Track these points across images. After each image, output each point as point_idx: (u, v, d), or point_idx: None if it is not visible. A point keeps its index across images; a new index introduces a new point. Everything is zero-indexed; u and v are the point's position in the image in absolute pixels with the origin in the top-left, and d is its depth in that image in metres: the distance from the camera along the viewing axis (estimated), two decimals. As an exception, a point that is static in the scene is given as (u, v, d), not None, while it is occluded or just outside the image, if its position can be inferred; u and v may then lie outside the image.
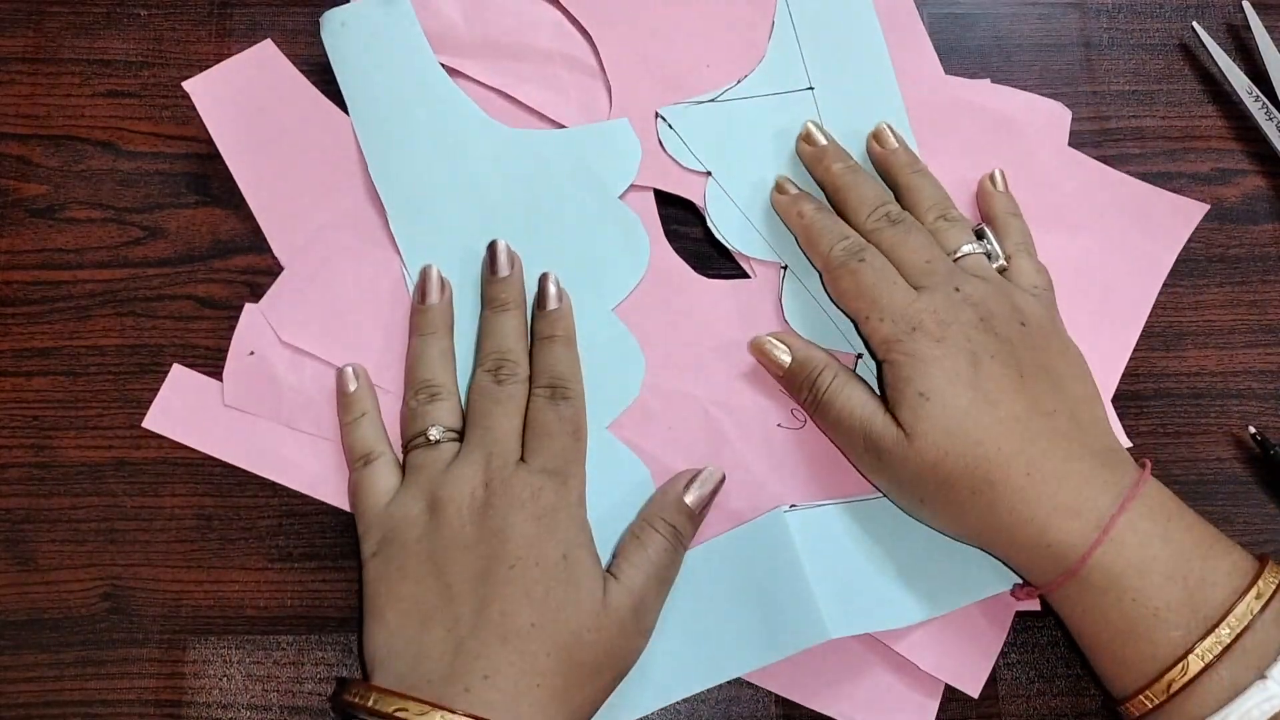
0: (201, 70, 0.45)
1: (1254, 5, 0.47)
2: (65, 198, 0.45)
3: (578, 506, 0.39)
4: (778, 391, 0.43)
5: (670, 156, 0.44)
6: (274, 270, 0.44)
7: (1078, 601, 0.37)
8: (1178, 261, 0.46)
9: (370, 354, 0.42)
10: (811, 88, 0.45)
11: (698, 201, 0.44)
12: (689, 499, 0.40)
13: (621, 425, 0.42)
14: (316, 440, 0.42)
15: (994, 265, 0.41)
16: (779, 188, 0.44)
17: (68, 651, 0.41)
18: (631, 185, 0.44)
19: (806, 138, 0.44)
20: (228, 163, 0.44)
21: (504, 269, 0.42)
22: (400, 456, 0.41)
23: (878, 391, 0.40)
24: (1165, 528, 0.36)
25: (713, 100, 0.45)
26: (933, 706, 0.40)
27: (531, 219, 0.43)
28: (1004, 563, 0.39)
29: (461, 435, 0.40)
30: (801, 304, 0.43)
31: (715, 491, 0.40)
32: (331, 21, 0.44)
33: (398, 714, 0.34)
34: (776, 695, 0.41)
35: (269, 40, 0.45)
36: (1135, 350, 0.45)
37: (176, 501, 0.42)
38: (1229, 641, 0.34)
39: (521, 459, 0.39)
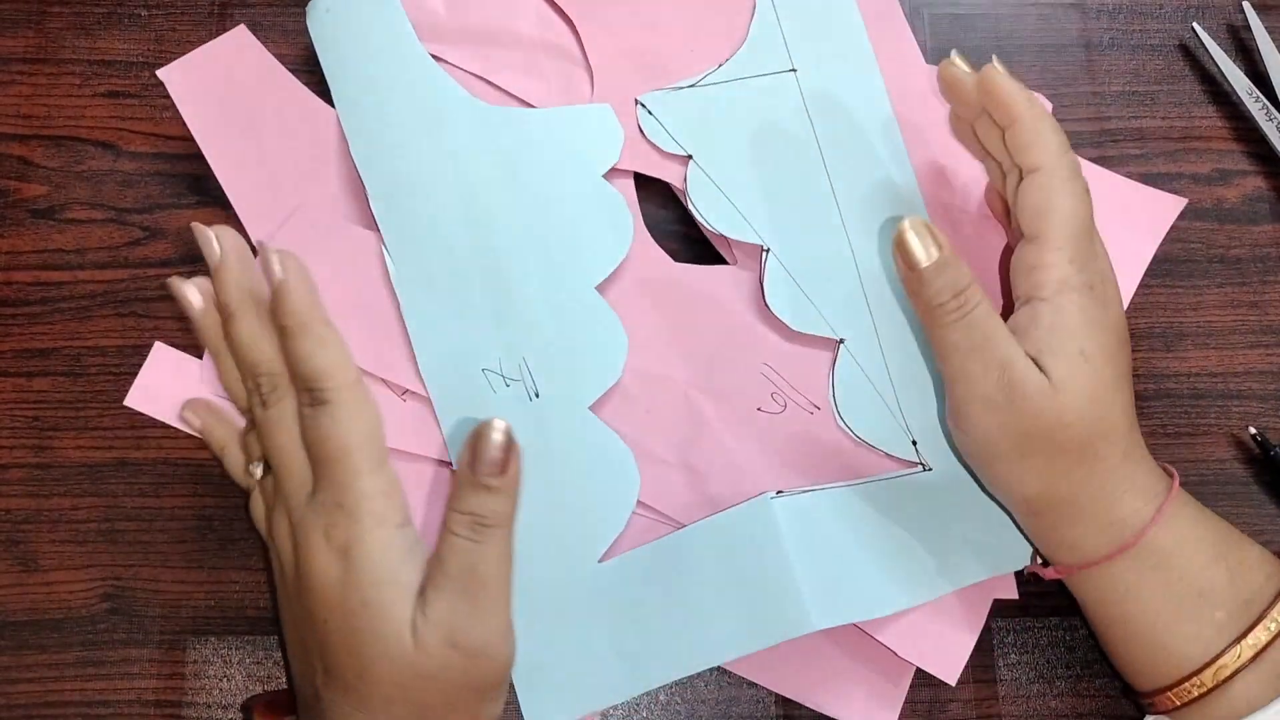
0: (202, 70, 0.45)
1: (1254, 6, 0.47)
2: (66, 198, 0.45)
3: (374, 531, 0.34)
4: (758, 375, 0.43)
5: (650, 143, 0.44)
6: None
7: (1122, 579, 0.37)
8: (1178, 262, 0.46)
9: (347, 332, 0.41)
10: (794, 69, 0.45)
11: (678, 185, 0.44)
12: (478, 471, 0.35)
13: (600, 407, 0.42)
14: None
15: None
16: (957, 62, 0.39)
17: (68, 652, 0.41)
18: (613, 169, 0.44)
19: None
20: (203, 149, 0.44)
21: (214, 254, 0.38)
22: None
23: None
24: (1204, 514, 0.38)
25: (693, 85, 0.45)
26: (899, 696, 0.41)
27: (513, 196, 0.43)
28: (1038, 537, 0.39)
29: None
30: (784, 287, 0.43)
31: (505, 443, 0.35)
32: (316, 8, 0.44)
33: None
34: (777, 695, 0.41)
35: (243, 26, 0.45)
36: (1136, 350, 0.45)
37: (176, 501, 0.42)
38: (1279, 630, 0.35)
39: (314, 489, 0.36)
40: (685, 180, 0.44)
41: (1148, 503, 0.37)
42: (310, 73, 0.45)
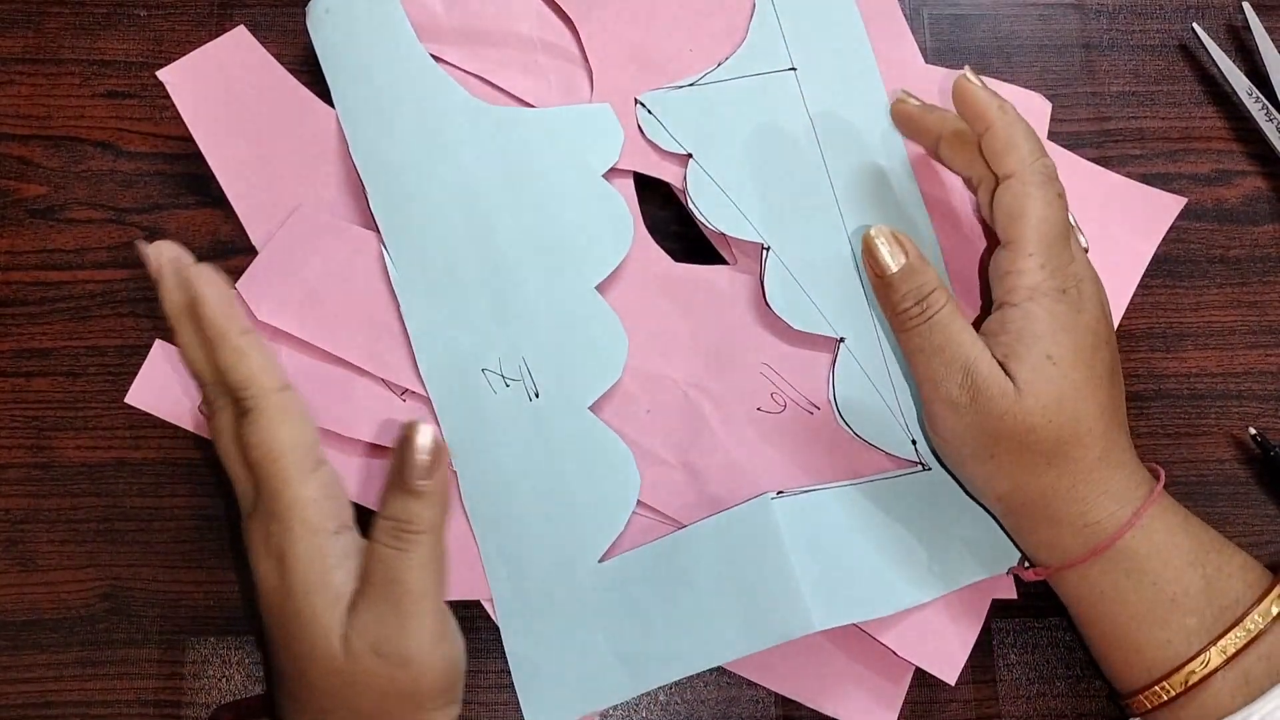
0: (201, 70, 0.45)
1: (1254, 6, 0.47)
2: (65, 198, 0.45)
3: (305, 540, 0.35)
4: (758, 375, 0.43)
5: (650, 142, 0.44)
6: (274, 270, 0.44)
7: (1097, 582, 0.37)
8: (1177, 262, 0.46)
9: (348, 333, 0.42)
10: (794, 68, 0.45)
11: (677, 184, 0.44)
12: (404, 475, 0.35)
13: (600, 407, 0.42)
14: None
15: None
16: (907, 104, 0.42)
17: (67, 651, 0.41)
18: (612, 169, 0.44)
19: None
20: (203, 150, 0.44)
21: (152, 270, 0.38)
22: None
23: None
24: (1185, 521, 0.37)
25: (693, 84, 0.45)
26: (899, 695, 0.41)
27: (513, 196, 0.43)
28: (1016, 536, 0.39)
29: None
30: (784, 286, 0.43)
31: (431, 448, 0.35)
32: (316, 8, 0.44)
33: None
34: (777, 695, 0.41)
35: (242, 26, 0.45)
36: (1135, 351, 0.45)
37: (176, 501, 0.42)
38: (1253, 635, 0.35)
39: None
40: (685, 179, 0.44)
41: (1123, 506, 0.37)
42: (310, 73, 0.45)
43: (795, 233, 0.43)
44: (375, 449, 0.41)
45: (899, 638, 0.41)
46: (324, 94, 0.44)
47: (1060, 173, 0.39)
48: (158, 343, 0.43)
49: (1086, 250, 0.40)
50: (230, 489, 0.41)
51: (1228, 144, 0.48)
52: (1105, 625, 0.37)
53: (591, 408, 0.41)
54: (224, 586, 0.42)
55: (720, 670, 0.42)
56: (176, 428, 0.42)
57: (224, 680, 0.41)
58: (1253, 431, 0.44)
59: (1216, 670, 0.35)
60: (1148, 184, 0.46)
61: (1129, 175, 0.46)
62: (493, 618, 0.41)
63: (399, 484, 0.35)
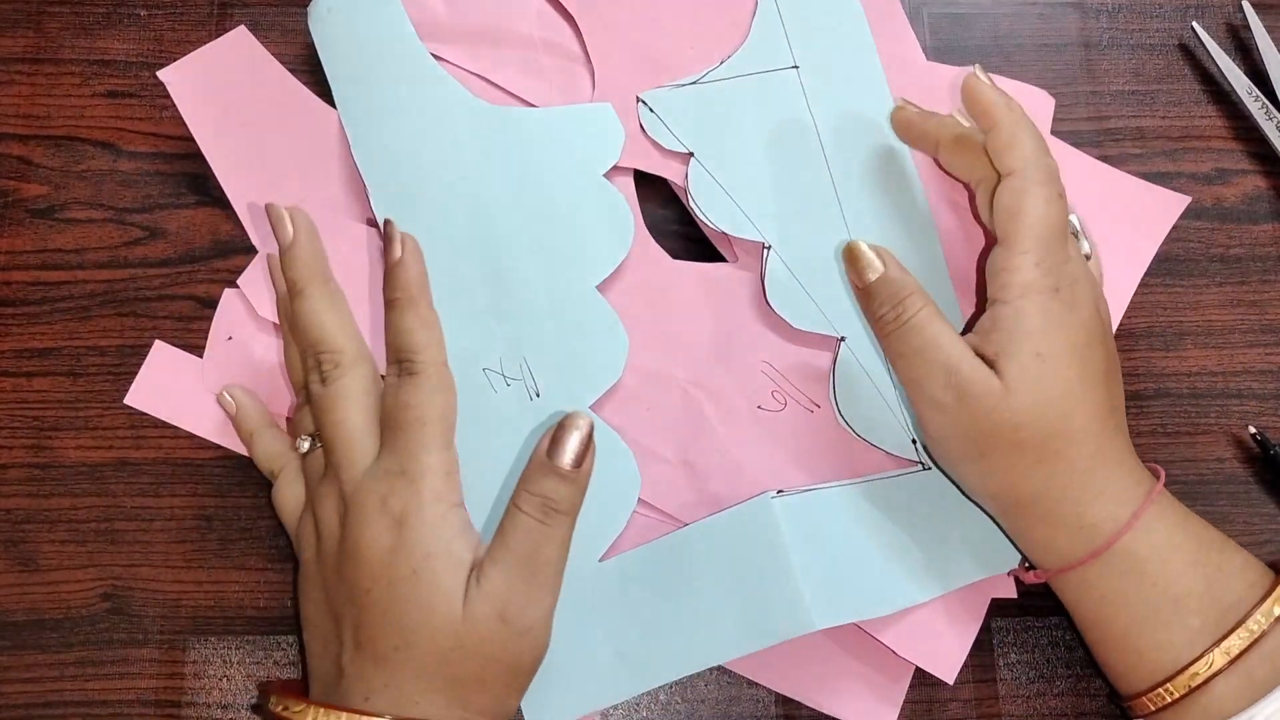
0: (201, 70, 0.45)
1: (1254, 5, 0.48)
2: (65, 198, 0.45)
3: (432, 505, 0.36)
4: (759, 374, 0.43)
5: (652, 140, 0.44)
6: (274, 270, 0.44)
7: (1097, 585, 0.37)
8: (1178, 261, 0.46)
9: None
10: (796, 66, 0.45)
11: (679, 182, 0.44)
12: (556, 458, 0.37)
13: (600, 406, 0.42)
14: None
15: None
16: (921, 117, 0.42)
17: (68, 651, 0.41)
18: (613, 167, 0.44)
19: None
20: (203, 149, 0.44)
21: (286, 233, 0.40)
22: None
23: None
24: (1185, 520, 0.37)
25: (695, 83, 0.45)
26: (899, 695, 0.41)
27: (514, 195, 0.43)
28: (1015, 537, 0.39)
29: None
30: (785, 285, 0.43)
31: (587, 438, 0.37)
32: (317, 8, 0.44)
33: None
34: (777, 695, 0.41)
35: (243, 26, 0.45)
36: (1135, 350, 0.45)
37: (176, 501, 0.42)
38: (1256, 636, 0.35)
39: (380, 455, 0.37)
40: (686, 178, 0.44)
41: (1122, 507, 0.36)
42: (310, 73, 0.45)
43: (797, 231, 0.43)
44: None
45: (899, 637, 0.41)
46: (325, 94, 0.44)
47: (1063, 169, 0.39)
48: (157, 343, 0.43)
49: (1089, 257, 0.40)
50: (231, 489, 0.42)
51: (1228, 143, 0.48)
52: (1106, 627, 0.37)
53: (592, 406, 0.41)
54: (224, 586, 0.42)
55: (720, 669, 0.42)
56: (177, 428, 0.42)
57: (224, 680, 0.41)
58: (1253, 430, 0.44)
59: (1220, 672, 0.35)
60: (1129, 175, 0.46)
61: (1129, 174, 0.47)
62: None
63: (550, 466, 0.36)
